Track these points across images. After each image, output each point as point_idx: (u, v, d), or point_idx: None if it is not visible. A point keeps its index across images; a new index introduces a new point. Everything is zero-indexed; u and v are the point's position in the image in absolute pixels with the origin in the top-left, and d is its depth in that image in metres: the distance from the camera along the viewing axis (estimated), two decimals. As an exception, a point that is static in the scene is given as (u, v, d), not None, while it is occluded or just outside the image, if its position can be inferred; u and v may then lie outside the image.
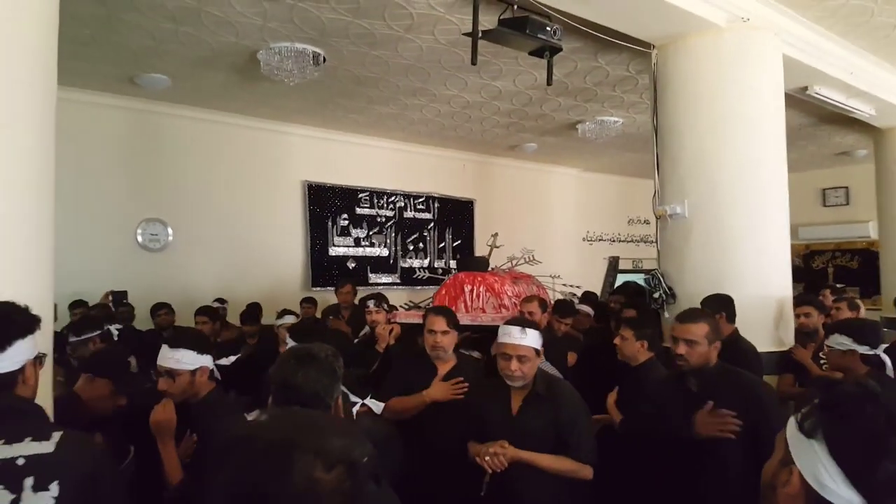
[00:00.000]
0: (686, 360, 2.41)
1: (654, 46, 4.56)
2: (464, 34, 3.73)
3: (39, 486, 1.31)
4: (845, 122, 6.79)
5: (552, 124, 7.02)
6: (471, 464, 2.44)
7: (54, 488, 1.32)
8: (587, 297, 5.83)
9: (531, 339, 2.43)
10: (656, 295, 4.62)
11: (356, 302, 5.58)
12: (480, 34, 3.39)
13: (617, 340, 3.21)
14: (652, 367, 3.06)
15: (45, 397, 2.12)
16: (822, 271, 10.04)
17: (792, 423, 0.91)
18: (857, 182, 9.32)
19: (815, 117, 6.82)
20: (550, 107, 6.38)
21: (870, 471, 0.79)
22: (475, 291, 4.35)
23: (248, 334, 5.24)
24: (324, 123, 6.88)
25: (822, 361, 3.58)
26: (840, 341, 2.75)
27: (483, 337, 3.75)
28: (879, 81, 5.69)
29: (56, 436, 1.40)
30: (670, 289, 4.54)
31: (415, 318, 4.23)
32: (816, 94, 5.44)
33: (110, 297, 5.53)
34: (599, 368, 3.42)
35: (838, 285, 8.84)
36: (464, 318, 3.86)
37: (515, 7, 3.43)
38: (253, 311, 5.64)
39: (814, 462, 0.84)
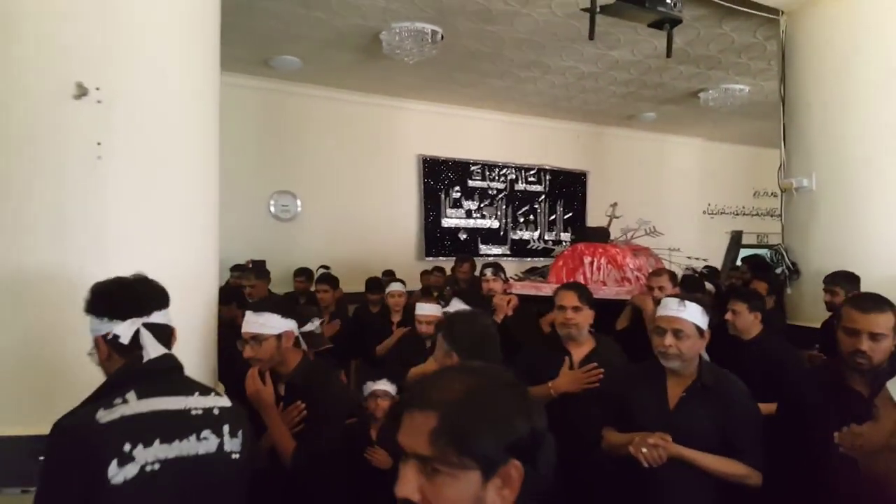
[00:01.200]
0: (869, 359, 1.98)
1: (782, 12, 4.37)
2: (582, 9, 3.76)
3: (233, 433, 1.51)
4: None
5: (672, 93, 6.82)
6: (609, 458, 2.19)
7: (240, 435, 1.53)
8: (711, 272, 5.71)
9: (691, 312, 2.13)
10: (779, 270, 4.51)
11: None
12: (599, 9, 3.42)
13: (728, 315, 3.09)
14: (765, 340, 3.03)
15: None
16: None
17: None
18: None
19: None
20: (671, 75, 6.22)
21: None
22: (595, 263, 4.20)
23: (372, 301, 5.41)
24: (438, 98, 7.10)
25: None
26: None
27: (602, 312, 3.49)
28: None
29: (216, 392, 1.60)
30: (794, 264, 4.42)
31: (531, 289, 4.23)
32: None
33: (250, 265, 6.07)
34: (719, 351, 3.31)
35: None
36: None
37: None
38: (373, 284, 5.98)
39: None
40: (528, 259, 7.53)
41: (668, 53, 3.66)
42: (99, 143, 2.02)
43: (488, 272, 4.26)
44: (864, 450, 1.50)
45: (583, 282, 4.10)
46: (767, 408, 2.34)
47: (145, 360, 1.46)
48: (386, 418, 2.73)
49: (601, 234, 4.58)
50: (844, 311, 2.07)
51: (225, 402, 1.54)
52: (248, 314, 2.17)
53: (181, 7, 2.32)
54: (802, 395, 2.18)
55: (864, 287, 3.66)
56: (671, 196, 8.85)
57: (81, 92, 1.98)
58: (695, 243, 7.58)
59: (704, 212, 9.39)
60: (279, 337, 2.15)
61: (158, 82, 2.19)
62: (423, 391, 0.93)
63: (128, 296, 1.51)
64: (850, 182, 4.05)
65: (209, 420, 1.48)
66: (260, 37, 5.35)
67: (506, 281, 4.29)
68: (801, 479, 2.08)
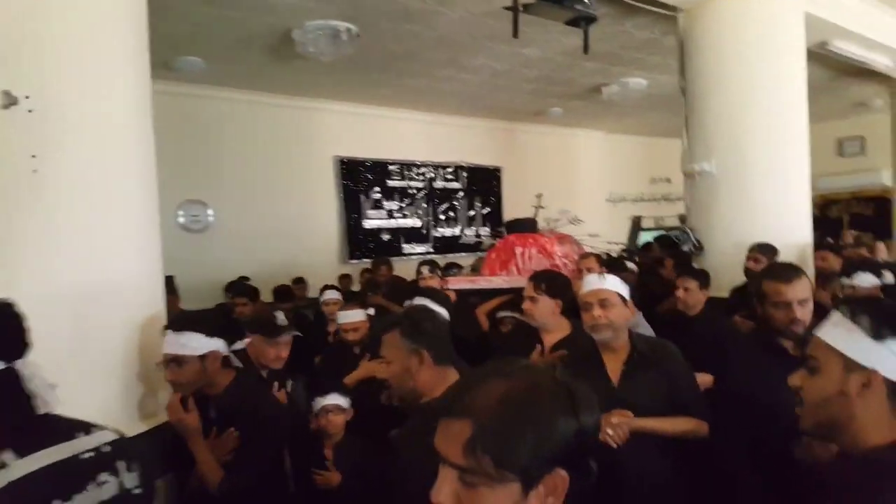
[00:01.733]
0: (803, 324, 2.03)
1: (680, 10, 4.69)
2: (504, 8, 3.88)
3: (129, 468, 1.35)
4: (862, 74, 6.89)
5: (578, 88, 7.16)
6: None
7: (136, 468, 1.37)
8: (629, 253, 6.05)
9: (612, 283, 2.20)
10: (685, 248, 4.85)
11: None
12: (521, 8, 3.54)
13: (679, 292, 3.29)
14: (709, 314, 3.24)
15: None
16: (838, 220, 10.18)
17: (850, 338, 1.11)
18: (872, 132, 9.40)
19: (833, 70, 6.91)
20: (577, 72, 6.52)
21: None
22: (527, 254, 4.27)
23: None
24: (354, 98, 7.06)
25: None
26: (865, 278, 2.98)
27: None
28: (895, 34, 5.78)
29: (97, 426, 1.40)
30: (699, 241, 4.77)
31: (467, 283, 4.29)
32: (836, 48, 5.56)
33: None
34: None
35: (853, 232, 9.04)
36: (517, 282, 3.85)
37: (553, -18, 3.58)
38: (285, 293, 5.86)
39: (892, 360, 1.07)
40: (452, 255, 7.63)
41: (585, 50, 3.86)
42: (34, 156, 1.87)
43: (425, 270, 4.29)
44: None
45: (516, 271, 4.21)
46: (704, 379, 2.45)
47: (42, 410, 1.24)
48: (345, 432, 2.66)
49: (530, 225, 4.67)
50: (768, 287, 2.11)
51: (110, 435, 1.35)
52: (169, 334, 1.99)
53: (108, 10, 2.20)
54: (747, 362, 2.20)
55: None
56: (578, 186, 9.27)
57: (10, 101, 1.83)
58: (601, 229, 7.96)
59: (608, 199, 9.90)
60: (203, 358, 1.98)
61: (90, 89, 2.07)
62: (460, 396, 0.88)
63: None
64: (747, 165, 4.43)
65: (101, 461, 1.30)
66: (161, 37, 5.05)
67: (442, 278, 4.33)
68: (750, 446, 2.03)
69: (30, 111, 1.86)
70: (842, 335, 1.15)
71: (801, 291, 2.08)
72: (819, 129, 8.84)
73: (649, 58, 6.21)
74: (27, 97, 1.86)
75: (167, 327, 2.02)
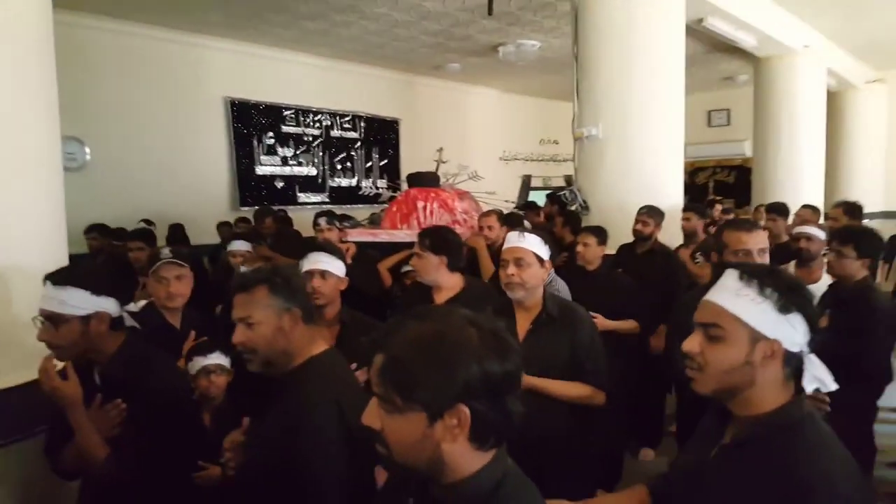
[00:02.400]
0: None
1: (576, -23, 4.96)
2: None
3: None
4: (730, 50, 7.58)
5: (475, 46, 7.33)
6: None
7: None
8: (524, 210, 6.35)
9: (530, 242, 2.23)
10: (573, 207, 5.25)
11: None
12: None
13: (579, 248, 3.50)
14: (605, 269, 3.50)
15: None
16: (704, 186, 11.25)
17: (758, 311, 1.17)
18: (737, 104, 10.36)
19: (706, 45, 7.55)
20: (476, 28, 6.67)
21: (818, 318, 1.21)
22: (428, 208, 4.32)
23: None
24: (246, 37, 6.80)
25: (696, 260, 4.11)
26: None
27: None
28: (762, 15, 6.44)
29: None
30: (585, 202, 5.18)
31: (368, 236, 4.27)
32: (710, 25, 6.09)
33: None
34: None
35: (717, 198, 10.07)
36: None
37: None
38: (179, 233, 5.70)
39: (792, 332, 1.17)
40: (349, 206, 7.66)
41: (490, 11, 4.04)
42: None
43: (322, 221, 4.13)
44: None
45: (416, 226, 4.22)
46: (624, 324, 3.01)
47: None
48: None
49: (432, 179, 4.70)
50: (729, 237, 2.29)
51: None
52: (48, 287, 1.74)
53: None
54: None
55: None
56: (474, 143, 9.54)
57: None
58: (494, 186, 8.35)
59: (500, 158, 10.28)
60: (86, 319, 1.75)
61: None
62: (387, 333, 0.97)
63: None
64: (629, 130, 4.83)
65: None
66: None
67: (341, 230, 4.23)
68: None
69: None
70: (750, 308, 1.19)
71: (760, 241, 2.28)
72: (691, 100, 9.60)
73: (545, 21, 6.48)
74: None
75: (47, 278, 1.76)
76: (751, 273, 1.22)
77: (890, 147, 10.09)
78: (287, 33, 6.66)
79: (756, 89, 8.09)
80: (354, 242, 4.08)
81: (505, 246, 2.29)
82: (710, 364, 1.22)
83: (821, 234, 3.77)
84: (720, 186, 11.10)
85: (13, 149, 2.16)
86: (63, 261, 2.38)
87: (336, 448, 1.50)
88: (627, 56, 4.80)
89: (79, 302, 1.73)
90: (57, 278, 1.75)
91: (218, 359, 2.37)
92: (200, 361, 2.36)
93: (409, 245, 3.88)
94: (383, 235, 4.21)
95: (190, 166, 6.69)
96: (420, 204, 4.34)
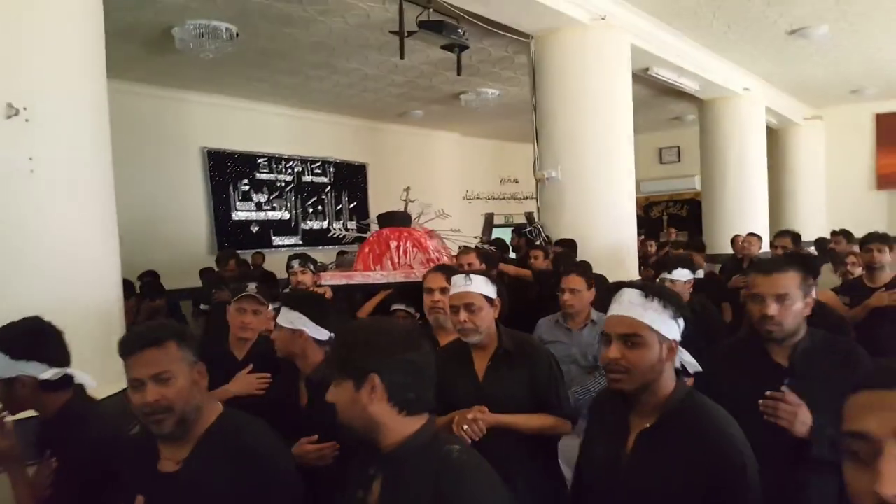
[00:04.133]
0: (780, 326, 1.93)
1: (532, 37, 5.74)
2: (391, 32, 4.64)
3: None
4: (677, 93, 8.52)
5: (439, 94, 8.09)
6: None
7: None
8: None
9: (477, 284, 2.29)
10: (538, 242, 5.92)
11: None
12: (406, 34, 4.33)
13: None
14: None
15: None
16: (659, 219, 12.20)
17: (661, 319, 1.52)
18: (686, 142, 11.37)
19: (654, 90, 8.47)
20: (439, 80, 7.43)
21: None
22: (402, 248, 4.30)
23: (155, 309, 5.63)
24: (224, 91, 7.40)
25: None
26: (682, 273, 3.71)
27: (418, 295, 3.21)
28: (702, 64, 7.37)
29: None
30: (548, 237, 5.86)
31: (342, 279, 4.26)
32: (655, 74, 6.98)
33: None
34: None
35: (671, 230, 10.99)
36: (395, 276, 3.99)
37: (431, 10, 4.41)
38: (153, 282, 6.07)
39: (678, 331, 1.56)
40: (321, 247, 8.21)
41: (459, 72, 4.74)
42: (31, 158, 2.33)
43: (295, 264, 4.18)
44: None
45: (391, 266, 4.22)
46: None
47: None
48: None
49: (403, 219, 4.69)
50: (750, 279, 2.05)
51: None
52: None
53: (74, 32, 2.65)
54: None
55: (594, 250, 5.18)
56: (437, 184, 10.22)
57: (11, 112, 2.28)
58: (458, 225, 9.00)
59: (464, 197, 11.01)
60: (9, 382, 1.80)
61: (69, 98, 2.54)
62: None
63: None
64: (587, 171, 5.55)
65: None
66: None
67: (315, 273, 4.29)
68: None
69: (27, 120, 2.31)
70: (655, 317, 1.50)
71: (779, 286, 1.93)
72: (642, 139, 10.56)
73: (503, 72, 7.29)
74: (24, 108, 2.31)
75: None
76: (650, 290, 1.57)
77: (829, 177, 11.19)
78: (263, 86, 7.30)
79: (702, 128, 9.06)
80: (330, 286, 4.13)
81: (452, 291, 2.35)
82: (635, 366, 1.51)
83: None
84: (673, 219, 12.06)
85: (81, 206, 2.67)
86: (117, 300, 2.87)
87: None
88: (582, 104, 5.55)
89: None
90: None
91: None
92: None
93: (385, 287, 4.09)
94: (358, 277, 4.21)
95: (169, 214, 7.16)
96: (393, 244, 4.34)
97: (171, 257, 6.88)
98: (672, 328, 1.55)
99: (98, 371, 2.10)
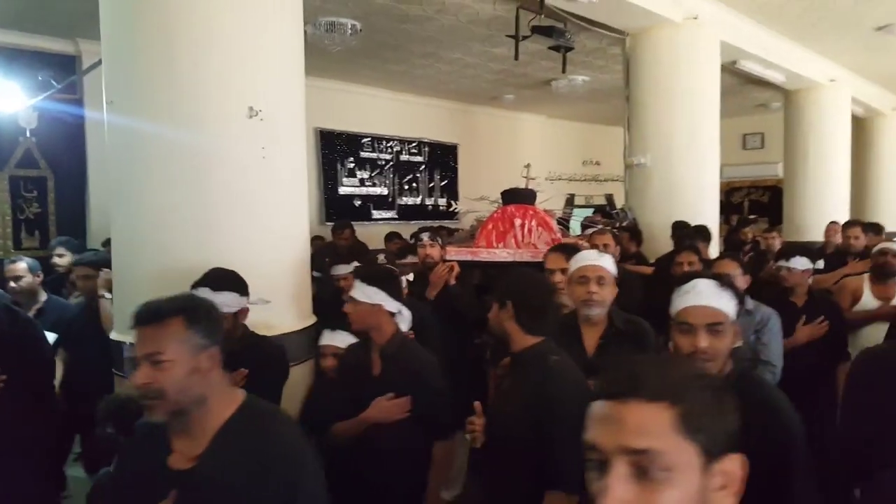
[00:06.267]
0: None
1: (627, 34, 6.40)
2: (507, 36, 5.41)
3: None
4: (763, 83, 8.95)
5: (532, 81, 8.83)
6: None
7: None
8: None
9: (608, 262, 2.48)
10: (625, 224, 6.62)
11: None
12: (522, 37, 5.09)
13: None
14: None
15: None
16: (740, 205, 12.59)
17: (733, 307, 1.79)
18: (770, 129, 11.68)
19: (741, 78, 8.93)
20: (533, 68, 8.16)
21: None
22: (527, 226, 4.30)
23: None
24: (336, 76, 8.32)
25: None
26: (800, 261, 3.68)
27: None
28: (789, 56, 7.85)
29: None
30: (635, 220, 6.57)
31: (468, 254, 4.23)
32: (743, 66, 7.52)
33: None
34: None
35: (752, 216, 11.42)
36: (521, 255, 3.99)
37: (542, 15, 5.14)
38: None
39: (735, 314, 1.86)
40: (415, 221, 9.12)
41: (563, 70, 5.47)
42: (263, 148, 3.24)
43: (425, 237, 4.13)
44: None
45: (514, 244, 4.24)
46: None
47: None
48: None
49: (529, 196, 4.69)
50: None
51: None
52: None
53: (292, 38, 3.52)
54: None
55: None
56: (522, 164, 10.95)
57: (252, 113, 3.19)
58: (541, 205, 9.78)
59: (547, 178, 11.71)
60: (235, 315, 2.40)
61: (289, 97, 3.44)
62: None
63: None
64: (671, 158, 6.23)
65: None
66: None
67: (443, 246, 4.19)
68: None
69: (261, 119, 3.22)
70: (730, 306, 1.77)
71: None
72: (727, 124, 10.92)
73: (595, 61, 7.95)
74: (260, 110, 3.21)
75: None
76: (722, 281, 1.84)
77: (919, 168, 11.34)
78: (373, 73, 8.21)
79: (786, 117, 9.48)
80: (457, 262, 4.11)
81: (583, 263, 2.53)
82: (719, 353, 1.72)
83: None
84: (755, 205, 12.44)
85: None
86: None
87: None
88: (672, 95, 6.22)
89: None
90: None
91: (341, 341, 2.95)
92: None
93: (508, 265, 3.92)
94: (484, 254, 4.22)
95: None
96: (518, 222, 4.38)
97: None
98: (736, 313, 1.81)
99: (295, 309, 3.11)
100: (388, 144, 9.30)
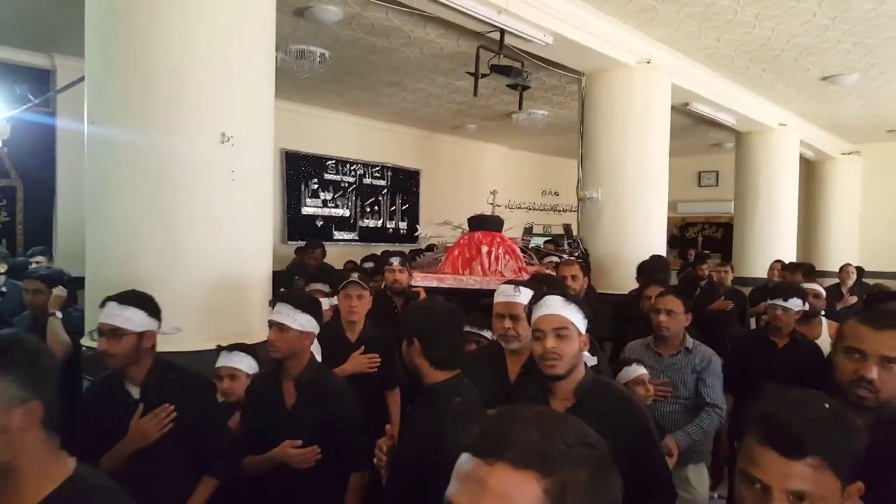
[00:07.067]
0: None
1: (584, 74, 6.90)
2: (467, 73, 5.83)
3: None
4: (716, 124, 9.56)
5: (493, 113, 9.31)
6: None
7: None
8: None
9: (525, 297, 2.50)
10: (575, 254, 7.05)
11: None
12: (481, 75, 5.51)
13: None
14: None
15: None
16: (693, 240, 13.23)
17: (579, 317, 2.10)
18: (724, 168, 12.32)
19: (695, 119, 9.54)
20: (494, 101, 8.62)
21: None
22: (493, 253, 4.30)
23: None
24: (303, 100, 8.67)
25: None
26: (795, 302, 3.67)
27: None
28: (739, 101, 8.42)
29: None
30: (586, 250, 7.00)
31: (434, 281, 4.20)
32: (695, 108, 8.09)
33: None
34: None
35: (705, 252, 12.01)
36: (489, 283, 3.93)
37: (501, 55, 5.57)
38: None
39: (583, 323, 2.15)
40: (374, 244, 9.50)
41: (520, 107, 5.91)
42: (233, 171, 3.55)
43: (395, 261, 4.11)
44: None
45: (480, 272, 4.26)
46: None
47: None
48: None
49: (496, 223, 4.68)
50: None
51: None
52: None
53: (263, 66, 3.84)
54: None
55: (626, 263, 6.29)
56: (483, 192, 11.37)
57: (224, 139, 3.51)
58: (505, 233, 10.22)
59: (506, 206, 12.16)
60: (140, 336, 2.40)
61: (258, 121, 3.76)
62: None
63: None
64: (621, 193, 6.69)
65: None
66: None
67: (410, 273, 4.20)
68: None
69: (232, 145, 3.53)
70: (574, 315, 2.07)
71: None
72: (682, 162, 11.64)
73: (554, 97, 8.46)
74: (231, 136, 3.53)
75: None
76: (568, 296, 2.16)
77: (864, 211, 12.05)
78: (339, 98, 8.58)
79: (738, 157, 10.11)
80: (423, 287, 4.16)
81: (499, 298, 2.62)
82: (564, 353, 2.05)
83: (823, 292, 4.47)
84: (708, 240, 13.10)
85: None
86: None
87: None
88: (624, 133, 6.68)
89: None
90: None
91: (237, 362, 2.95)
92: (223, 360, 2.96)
93: (477, 293, 3.99)
94: (450, 280, 4.23)
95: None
96: (484, 249, 4.39)
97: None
98: (584, 323, 2.12)
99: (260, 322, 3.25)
100: (352, 168, 9.64)
